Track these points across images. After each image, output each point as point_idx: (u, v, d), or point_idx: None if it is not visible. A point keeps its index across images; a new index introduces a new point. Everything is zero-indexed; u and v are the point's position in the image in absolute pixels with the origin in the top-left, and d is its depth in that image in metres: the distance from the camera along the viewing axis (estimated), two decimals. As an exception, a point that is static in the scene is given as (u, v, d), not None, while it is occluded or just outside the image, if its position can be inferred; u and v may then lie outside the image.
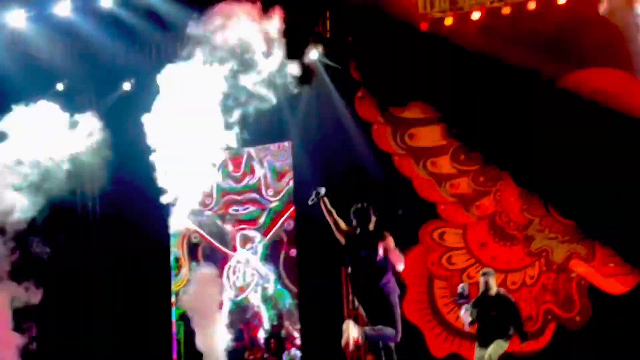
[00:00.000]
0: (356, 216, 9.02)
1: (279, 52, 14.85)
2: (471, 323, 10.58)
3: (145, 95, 16.07)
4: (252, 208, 16.48)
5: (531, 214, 14.29)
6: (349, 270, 9.05)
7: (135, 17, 15.08)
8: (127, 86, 16.45)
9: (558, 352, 13.67)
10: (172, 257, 16.71)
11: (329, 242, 14.71)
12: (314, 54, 15.19)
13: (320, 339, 15.09)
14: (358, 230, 8.95)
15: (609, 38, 13.15)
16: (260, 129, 14.78)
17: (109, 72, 16.04)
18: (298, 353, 15.62)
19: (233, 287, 16.25)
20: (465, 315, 10.40)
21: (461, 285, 10.63)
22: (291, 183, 16.06)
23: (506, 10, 13.85)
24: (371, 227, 9.22)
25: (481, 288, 10.78)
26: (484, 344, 10.60)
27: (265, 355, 15.50)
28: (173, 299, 16.50)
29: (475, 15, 14.03)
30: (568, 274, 13.92)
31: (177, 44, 15.54)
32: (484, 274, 10.85)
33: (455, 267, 14.77)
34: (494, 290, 10.59)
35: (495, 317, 10.39)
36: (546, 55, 13.46)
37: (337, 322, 14.80)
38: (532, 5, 13.67)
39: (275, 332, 15.71)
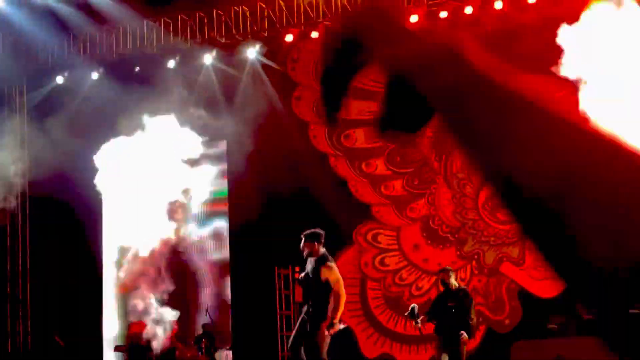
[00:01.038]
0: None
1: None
2: (429, 320, 10.81)
3: (77, 89, 15.95)
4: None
5: (464, 217, 14.42)
6: None
7: (70, 10, 14.86)
8: (59, 80, 16.14)
9: (488, 354, 13.80)
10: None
11: (262, 244, 14.80)
12: (251, 53, 15.11)
13: (252, 339, 15.06)
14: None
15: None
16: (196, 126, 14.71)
17: (41, 65, 15.78)
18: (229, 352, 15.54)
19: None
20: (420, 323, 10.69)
21: (413, 305, 10.87)
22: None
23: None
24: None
25: (441, 285, 11.10)
26: (445, 341, 10.77)
27: (197, 354, 15.36)
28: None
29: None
30: (499, 277, 14.08)
31: (112, 38, 15.44)
32: (443, 271, 11.12)
33: (388, 268, 14.83)
34: (454, 285, 10.87)
35: (453, 307, 10.64)
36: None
37: (268, 323, 14.89)
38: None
39: (206, 331, 15.56)
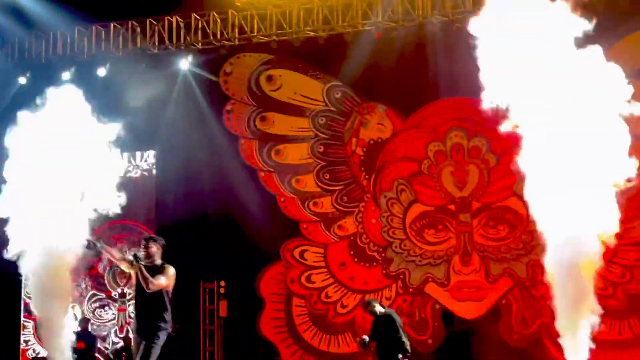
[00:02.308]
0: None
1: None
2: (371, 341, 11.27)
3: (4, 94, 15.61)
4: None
5: (391, 236, 14.48)
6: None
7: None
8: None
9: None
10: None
11: (189, 257, 14.63)
12: (184, 64, 14.97)
13: (174, 353, 14.85)
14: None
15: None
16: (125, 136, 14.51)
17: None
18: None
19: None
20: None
21: (364, 337, 11.30)
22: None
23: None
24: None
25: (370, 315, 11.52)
26: None
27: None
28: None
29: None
30: (424, 297, 14.17)
31: (42, 44, 15.16)
32: (367, 305, 11.49)
33: (314, 285, 14.80)
34: (380, 312, 11.23)
35: (384, 332, 11.00)
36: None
37: (192, 337, 14.74)
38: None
39: (127, 345, 15.33)
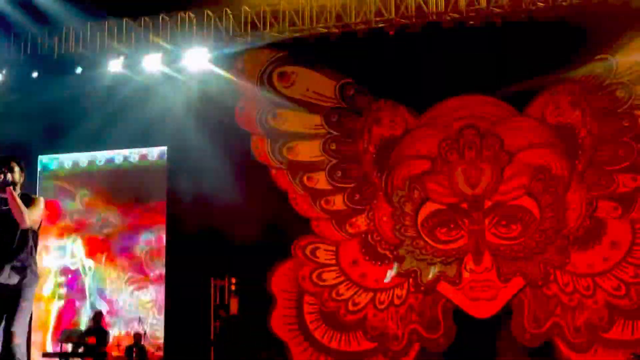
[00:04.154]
0: None
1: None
2: None
3: (19, 88, 15.63)
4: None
5: (403, 234, 14.43)
6: None
7: (11, 7, 14.60)
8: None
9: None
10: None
11: (200, 254, 14.63)
12: (196, 60, 14.93)
13: (185, 350, 14.88)
14: None
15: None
16: (136, 131, 14.61)
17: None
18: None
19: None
20: None
21: None
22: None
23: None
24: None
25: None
26: None
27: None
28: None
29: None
30: (435, 296, 14.11)
31: (54, 38, 15.15)
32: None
33: (325, 283, 14.76)
34: None
35: None
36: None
37: (202, 335, 14.73)
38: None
39: (137, 341, 15.34)
